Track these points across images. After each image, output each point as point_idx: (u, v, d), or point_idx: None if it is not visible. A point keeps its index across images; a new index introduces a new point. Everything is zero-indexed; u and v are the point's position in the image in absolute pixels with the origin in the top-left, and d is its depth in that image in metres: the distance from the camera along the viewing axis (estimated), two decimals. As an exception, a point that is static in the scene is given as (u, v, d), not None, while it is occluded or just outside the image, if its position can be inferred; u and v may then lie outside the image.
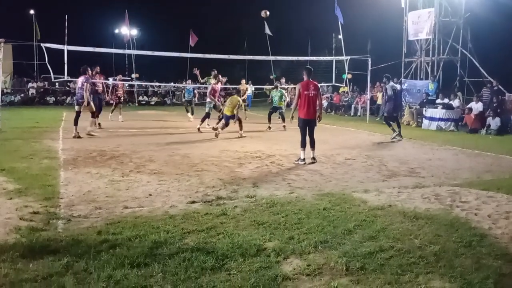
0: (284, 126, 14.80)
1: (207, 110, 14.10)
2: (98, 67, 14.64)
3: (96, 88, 14.18)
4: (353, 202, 5.83)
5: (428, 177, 7.65)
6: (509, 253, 4.16)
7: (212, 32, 36.97)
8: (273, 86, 16.31)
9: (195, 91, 19.64)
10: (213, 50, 19.96)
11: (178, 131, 13.90)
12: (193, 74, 17.08)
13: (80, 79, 11.74)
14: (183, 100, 20.37)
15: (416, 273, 3.69)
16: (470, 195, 6.26)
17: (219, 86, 14.47)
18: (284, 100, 15.55)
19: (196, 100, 20.71)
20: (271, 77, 29.66)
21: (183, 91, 21.06)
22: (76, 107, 11.90)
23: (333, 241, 4.38)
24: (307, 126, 8.90)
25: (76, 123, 11.68)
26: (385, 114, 13.32)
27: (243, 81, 21.30)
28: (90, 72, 12.17)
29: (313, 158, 8.86)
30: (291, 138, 11.98)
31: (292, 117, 9.67)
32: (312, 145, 8.93)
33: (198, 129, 13.58)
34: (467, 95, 19.50)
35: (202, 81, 16.09)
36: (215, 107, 14.11)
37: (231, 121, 12.56)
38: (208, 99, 14.07)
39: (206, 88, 15.38)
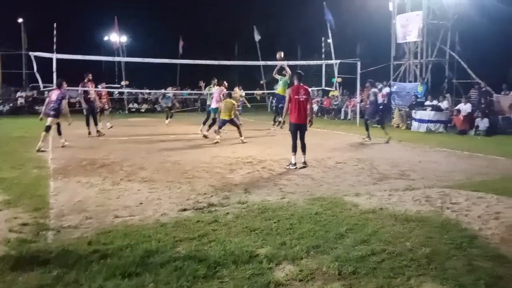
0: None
1: (213, 116, 14.18)
2: (90, 75, 14.54)
3: (89, 96, 14.11)
4: (345, 206, 5.85)
5: (418, 179, 7.70)
6: (500, 254, 4.19)
7: (202, 37, 37.01)
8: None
9: (174, 99, 20.12)
10: (204, 55, 20.00)
11: (169, 138, 13.85)
12: (198, 85, 17.24)
13: (55, 93, 11.29)
14: (163, 106, 21.03)
15: (408, 276, 3.70)
16: (460, 197, 6.31)
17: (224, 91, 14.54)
18: None
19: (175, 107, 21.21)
20: (261, 82, 29.72)
21: (161, 98, 21.59)
22: (49, 120, 11.08)
23: (325, 245, 4.38)
24: (298, 130, 8.92)
25: (59, 133, 11.43)
26: (366, 117, 13.81)
27: (237, 89, 21.32)
28: (65, 86, 11.73)
29: (304, 162, 8.87)
30: (282, 142, 11.99)
31: (284, 121, 9.68)
32: (303, 150, 8.95)
33: (205, 135, 13.75)
34: (455, 97, 19.70)
35: (205, 92, 16.07)
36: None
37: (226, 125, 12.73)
38: (215, 105, 14.10)
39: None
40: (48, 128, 11.13)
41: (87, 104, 14.12)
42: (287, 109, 8.97)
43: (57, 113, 11.17)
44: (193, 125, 16.78)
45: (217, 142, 12.29)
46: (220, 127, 12.97)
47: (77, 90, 14.60)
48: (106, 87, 17.66)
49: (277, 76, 15.29)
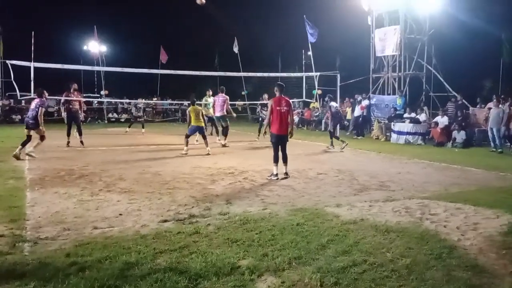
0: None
1: (225, 124, 14.44)
2: (76, 84, 14.38)
3: (71, 106, 13.90)
4: (326, 217, 5.87)
5: (398, 190, 7.80)
6: (478, 264, 4.26)
7: (183, 48, 36.98)
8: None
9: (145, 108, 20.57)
10: (184, 66, 19.96)
11: (149, 148, 13.73)
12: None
13: (35, 102, 11.17)
14: (133, 114, 21.52)
15: (389, 286, 3.73)
16: (438, 208, 6.40)
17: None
18: None
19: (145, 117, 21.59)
20: (242, 93, 29.81)
21: (130, 107, 21.93)
22: (25, 131, 10.96)
23: (307, 256, 4.38)
24: (279, 141, 8.96)
25: (24, 144, 10.88)
26: (331, 129, 14.55)
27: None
28: (46, 95, 11.53)
29: (285, 173, 8.90)
30: (264, 154, 12.02)
31: (265, 132, 9.70)
32: (285, 161, 8.98)
33: (224, 145, 14.12)
34: (433, 110, 20.09)
35: (202, 103, 16.02)
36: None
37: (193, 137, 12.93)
38: (221, 114, 14.17)
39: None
40: (41, 138, 11.14)
41: (70, 114, 13.89)
42: (268, 119, 9.02)
43: (37, 122, 10.95)
44: (173, 136, 16.67)
45: (186, 154, 12.05)
46: (188, 136, 12.57)
47: (57, 99, 14.37)
48: (85, 97, 17.47)
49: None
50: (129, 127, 19.41)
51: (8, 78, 15.58)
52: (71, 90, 14.01)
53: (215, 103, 14.78)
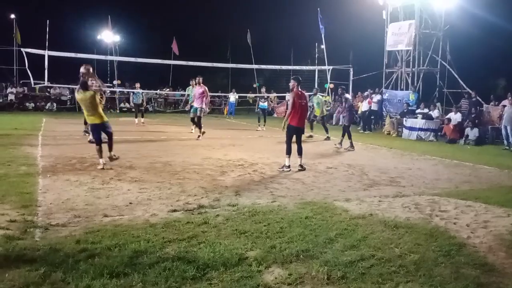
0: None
1: (198, 115, 14.16)
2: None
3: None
4: (335, 211, 5.86)
5: (408, 186, 7.75)
6: (487, 262, 4.23)
7: (196, 39, 36.96)
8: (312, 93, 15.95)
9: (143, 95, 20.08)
10: (196, 57, 19.98)
11: (160, 138, 13.80)
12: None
13: None
14: (133, 104, 20.78)
15: (397, 282, 3.72)
16: (449, 205, 6.35)
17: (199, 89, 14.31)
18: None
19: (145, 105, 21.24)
20: (254, 85, 29.77)
21: (132, 95, 21.47)
22: None
23: (314, 250, 4.38)
24: (296, 134, 9.02)
25: None
26: (346, 124, 13.29)
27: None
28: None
29: (300, 165, 8.92)
30: (274, 146, 12.03)
31: (284, 126, 9.37)
32: (300, 153, 9.01)
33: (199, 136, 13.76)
34: (446, 106, 19.89)
35: (186, 93, 15.94)
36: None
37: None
38: (198, 105, 14.00)
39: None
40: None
41: None
42: (290, 113, 8.96)
43: None
44: (184, 126, 16.73)
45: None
46: (88, 132, 11.30)
47: (70, 88, 14.50)
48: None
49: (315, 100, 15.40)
50: (136, 117, 18.91)
51: (22, 66, 15.69)
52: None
53: (196, 94, 14.26)
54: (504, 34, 21.72)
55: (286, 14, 35.76)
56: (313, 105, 15.39)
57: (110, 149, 8.88)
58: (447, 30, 20.13)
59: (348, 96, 14.39)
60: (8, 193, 6.14)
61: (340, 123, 22.65)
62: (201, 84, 14.13)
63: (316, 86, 18.65)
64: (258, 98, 18.63)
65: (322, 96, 15.88)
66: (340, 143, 12.91)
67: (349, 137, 12.75)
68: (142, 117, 18.76)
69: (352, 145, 12.64)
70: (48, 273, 3.63)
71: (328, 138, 14.64)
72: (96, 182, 7.15)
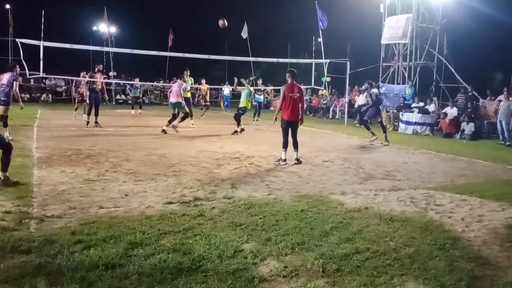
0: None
1: (184, 111, 13.96)
2: (101, 65, 14.63)
3: (94, 86, 14.02)
4: (330, 204, 5.87)
5: (403, 180, 7.77)
6: (482, 256, 4.25)
7: (193, 31, 36.77)
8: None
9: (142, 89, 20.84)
10: (193, 49, 19.93)
11: (156, 131, 13.75)
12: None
13: (7, 76, 10.49)
14: (131, 96, 21.74)
15: (391, 275, 3.73)
16: (444, 199, 6.38)
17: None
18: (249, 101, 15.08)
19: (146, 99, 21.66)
20: (251, 78, 29.65)
21: (129, 88, 22.21)
22: (1, 109, 10.40)
23: (310, 242, 4.39)
24: (290, 127, 8.99)
25: (5, 125, 10.68)
26: (366, 118, 13.44)
27: (203, 81, 21.22)
28: (17, 69, 11.01)
29: (297, 159, 8.94)
30: (270, 139, 12.02)
31: (276, 118, 9.52)
32: (296, 146, 9.01)
33: (174, 127, 13.40)
34: (442, 100, 19.93)
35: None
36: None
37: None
38: (175, 99, 13.78)
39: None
40: (3, 119, 10.32)
41: (93, 93, 13.99)
42: (280, 106, 9.01)
43: (9, 98, 10.41)
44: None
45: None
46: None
47: (65, 78, 14.52)
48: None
49: (239, 88, 14.98)
50: (132, 108, 19.54)
51: (17, 57, 15.58)
52: (96, 71, 14.20)
53: (173, 88, 14.03)
54: (501, 27, 21.74)
55: (284, 7, 35.54)
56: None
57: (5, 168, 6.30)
58: (444, 23, 20.11)
59: (375, 91, 13.54)
60: (3, 184, 6.10)
61: (337, 116, 22.76)
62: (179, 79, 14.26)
63: (312, 79, 18.63)
64: (253, 91, 18.58)
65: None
66: (386, 140, 12.70)
67: (368, 128, 12.98)
68: (140, 108, 19.31)
69: (373, 134, 12.79)
70: (43, 264, 3.62)
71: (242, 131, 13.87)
72: (91, 174, 7.12)
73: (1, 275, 3.43)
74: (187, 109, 14.06)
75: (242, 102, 14.46)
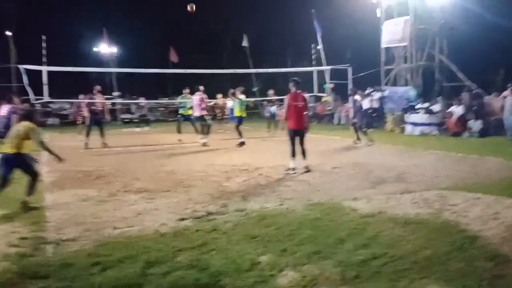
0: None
1: (206, 123, 14.20)
2: (99, 86, 14.70)
3: (94, 107, 14.07)
4: (343, 210, 5.85)
5: (415, 182, 7.72)
6: (501, 253, 4.20)
7: (192, 46, 36.96)
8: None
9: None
10: (193, 64, 20.07)
11: (162, 148, 13.80)
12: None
13: (6, 108, 10.56)
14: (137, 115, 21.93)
15: (411, 278, 3.70)
16: (458, 198, 6.32)
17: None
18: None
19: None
20: (253, 89, 29.78)
21: (136, 108, 22.67)
22: None
23: (326, 251, 4.37)
24: (297, 136, 9.02)
25: None
26: (359, 124, 13.93)
27: (219, 96, 21.45)
28: (17, 100, 11.14)
29: (306, 167, 8.92)
30: (278, 149, 12.00)
31: (282, 128, 9.75)
32: (304, 155, 9.03)
33: (204, 143, 13.77)
34: (447, 99, 19.85)
35: (177, 101, 16.22)
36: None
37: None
38: (198, 113, 14.04)
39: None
40: None
41: (93, 115, 14.04)
42: (286, 115, 9.08)
43: (6, 130, 10.40)
44: (186, 134, 16.71)
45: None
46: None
47: (70, 102, 14.67)
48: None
49: (233, 98, 15.10)
50: (147, 125, 19.84)
51: (20, 83, 15.75)
52: (95, 92, 14.29)
53: (193, 103, 14.28)
54: (500, 24, 21.68)
55: (281, 15, 35.64)
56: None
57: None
58: (443, 24, 20.12)
59: (358, 97, 14.56)
60: (17, 210, 6.13)
61: (343, 122, 22.72)
62: (199, 91, 14.28)
63: (315, 86, 18.67)
64: (264, 102, 18.72)
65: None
66: (358, 139, 13.71)
67: (359, 131, 13.69)
68: (148, 125, 19.41)
69: (358, 138, 13.67)
70: (62, 288, 3.63)
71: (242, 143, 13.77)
72: (103, 195, 7.14)
73: (21, 301, 3.43)
74: (210, 123, 14.29)
75: (236, 112, 14.73)
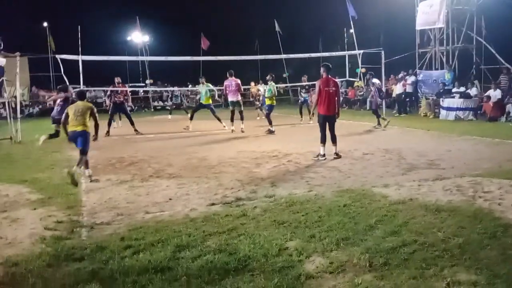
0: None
1: (239, 109, 14.25)
2: (119, 78, 15.02)
3: (116, 99, 14.40)
4: (373, 197, 5.79)
5: (448, 168, 7.55)
6: (536, 242, 4.08)
7: (223, 33, 37.04)
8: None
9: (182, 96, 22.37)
10: (225, 51, 20.09)
11: (194, 134, 13.97)
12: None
13: (61, 96, 11.00)
14: (172, 103, 22.45)
15: (441, 266, 3.65)
16: (492, 185, 6.16)
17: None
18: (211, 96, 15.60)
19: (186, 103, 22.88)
20: (284, 75, 29.60)
21: (169, 96, 23.01)
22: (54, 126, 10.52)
23: (355, 237, 4.35)
24: (327, 122, 8.94)
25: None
26: (374, 108, 14.56)
27: (253, 84, 21.37)
28: (71, 90, 11.44)
29: (336, 153, 8.87)
30: (307, 136, 11.96)
31: (313, 113, 9.72)
32: (334, 141, 8.96)
33: (242, 130, 14.02)
34: (484, 83, 19.18)
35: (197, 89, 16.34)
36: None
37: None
38: (235, 98, 14.17)
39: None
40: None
41: (115, 105, 14.44)
42: (316, 101, 8.99)
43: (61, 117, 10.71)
44: (217, 121, 16.85)
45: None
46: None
47: (104, 90, 15.09)
48: (131, 87, 18.10)
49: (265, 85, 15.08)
50: (187, 113, 19.71)
51: (58, 72, 16.23)
52: (116, 83, 14.63)
53: (227, 88, 14.24)
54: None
55: (313, 1, 35.21)
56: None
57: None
58: (480, 4, 19.36)
59: (376, 80, 14.84)
60: (53, 195, 6.38)
61: (368, 108, 22.34)
62: (233, 77, 14.28)
63: (347, 71, 18.40)
64: (299, 88, 18.60)
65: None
66: (379, 124, 14.01)
67: (378, 116, 14.08)
68: (187, 113, 19.11)
69: (379, 123, 14.00)
70: (96, 270, 3.77)
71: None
72: (136, 180, 7.33)
73: (57, 283, 3.58)
74: (242, 108, 14.37)
75: (266, 101, 15.04)
